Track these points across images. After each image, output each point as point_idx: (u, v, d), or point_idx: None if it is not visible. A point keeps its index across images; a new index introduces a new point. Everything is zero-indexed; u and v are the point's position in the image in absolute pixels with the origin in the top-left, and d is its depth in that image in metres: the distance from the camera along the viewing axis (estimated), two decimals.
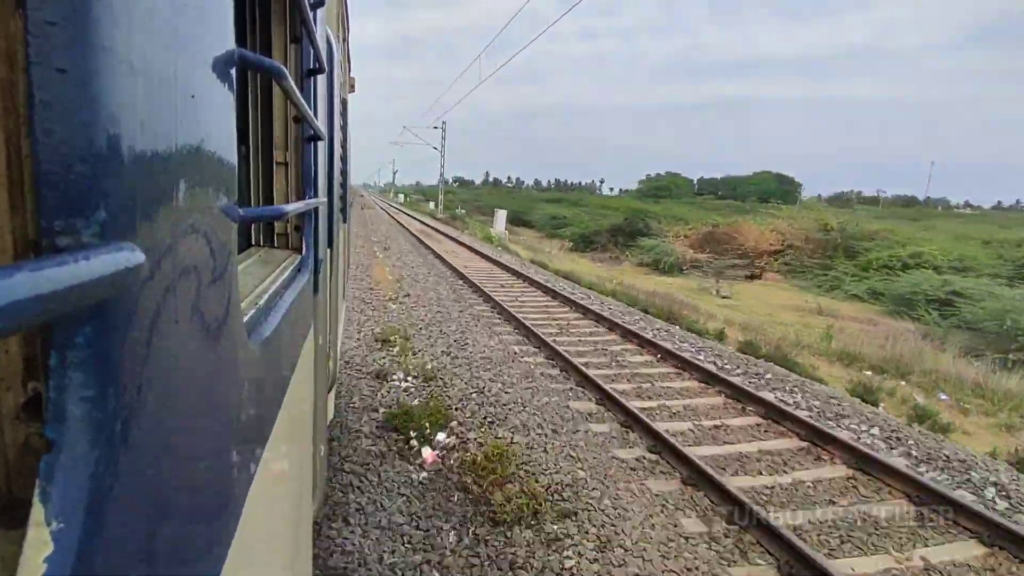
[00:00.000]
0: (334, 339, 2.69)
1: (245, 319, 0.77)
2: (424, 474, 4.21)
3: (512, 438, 4.73)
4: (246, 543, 0.68)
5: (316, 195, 1.56)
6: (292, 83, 0.98)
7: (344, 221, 3.55)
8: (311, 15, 1.29)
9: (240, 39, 1.52)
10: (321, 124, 1.60)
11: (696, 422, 5.46)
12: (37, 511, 0.29)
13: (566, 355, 6.83)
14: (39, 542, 0.28)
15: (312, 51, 1.47)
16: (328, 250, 1.99)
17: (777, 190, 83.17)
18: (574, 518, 3.72)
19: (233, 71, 0.60)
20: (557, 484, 4.09)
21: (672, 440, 4.72)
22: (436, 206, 46.09)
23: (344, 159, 3.30)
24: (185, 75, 0.44)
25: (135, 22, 0.35)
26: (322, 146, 1.64)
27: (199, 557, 0.51)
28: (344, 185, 3.34)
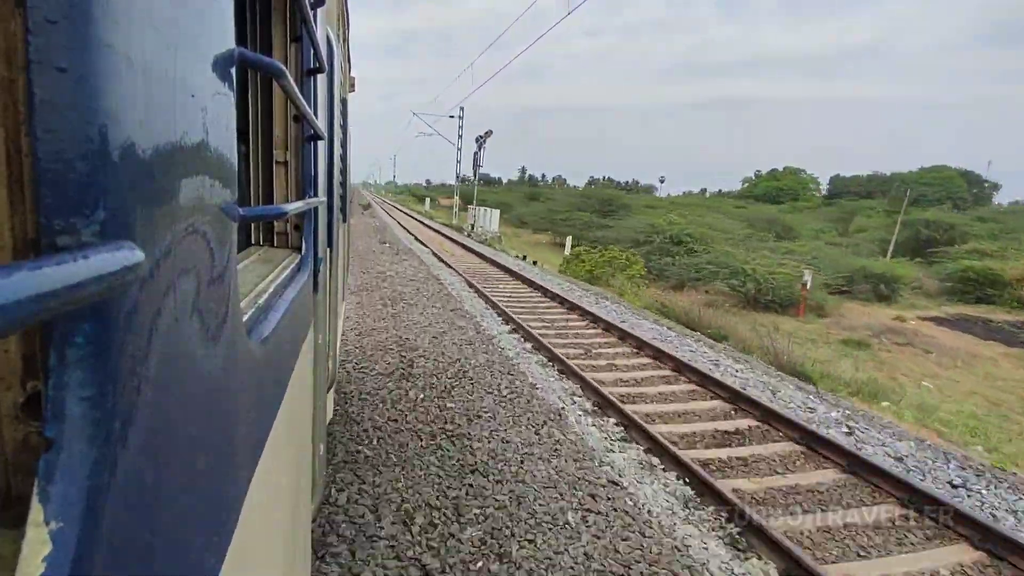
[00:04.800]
0: (334, 338, 2.69)
1: (245, 318, 0.77)
2: None
3: None
4: (245, 542, 0.68)
5: (316, 194, 1.56)
6: (292, 82, 0.98)
7: (344, 221, 3.56)
8: (311, 14, 1.29)
9: (240, 38, 1.52)
10: (321, 123, 1.60)
11: None
12: (36, 510, 0.29)
13: None
14: (38, 541, 0.28)
15: (312, 50, 1.47)
16: (328, 249, 1.99)
17: (964, 191, 62.39)
18: None
19: (233, 70, 0.60)
20: None
21: None
22: None
23: (344, 158, 3.30)
24: (185, 74, 0.44)
25: (135, 21, 0.35)
26: (322, 145, 1.63)
27: (198, 556, 0.51)
28: (344, 184, 3.34)
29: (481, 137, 32.52)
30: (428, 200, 63.80)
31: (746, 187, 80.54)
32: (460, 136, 34.75)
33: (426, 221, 38.42)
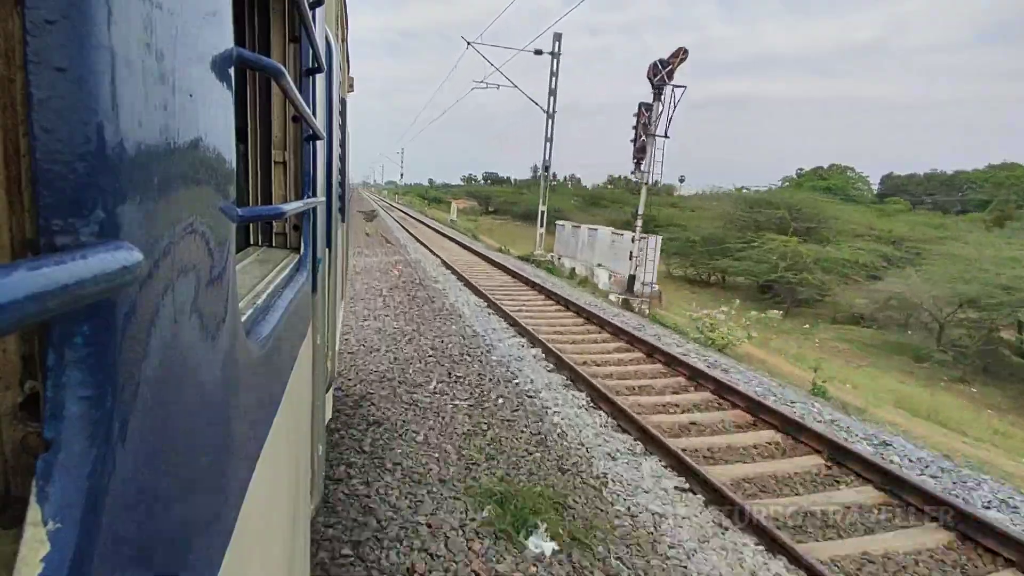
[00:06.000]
0: (332, 338, 2.69)
1: (243, 318, 0.77)
2: None
3: None
4: (244, 542, 0.68)
5: (315, 195, 1.56)
6: (291, 82, 0.98)
7: (343, 221, 3.56)
8: (310, 15, 1.29)
9: (239, 38, 1.52)
10: (320, 124, 1.60)
11: None
12: (34, 511, 0.29)
13: None
14: (36, 542, 0.28)
15: (311, 50, 1.47)
16: (327, 250, 1.99)
17: None
18: None
19: (232, 70, 0.60)
20: None
21: None
22: None
23: (343, 158, 3.30)
24: (184, 74, 0.44)
25: (134, 21, 0.35)
26: (321, 145, 1.63)
27: (197, 556, 0.51)
28: (343, 184, 3.34)
29: (664, 65, 14.03)
30: (455, 209, 49.65)
31: (787, 186, 69.34)
32: (553, 90, 16.97)
33: (480, 249, 19.78)
